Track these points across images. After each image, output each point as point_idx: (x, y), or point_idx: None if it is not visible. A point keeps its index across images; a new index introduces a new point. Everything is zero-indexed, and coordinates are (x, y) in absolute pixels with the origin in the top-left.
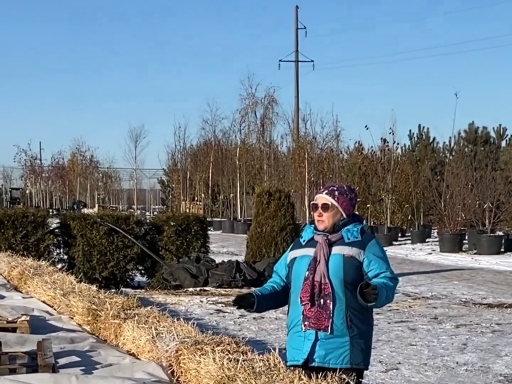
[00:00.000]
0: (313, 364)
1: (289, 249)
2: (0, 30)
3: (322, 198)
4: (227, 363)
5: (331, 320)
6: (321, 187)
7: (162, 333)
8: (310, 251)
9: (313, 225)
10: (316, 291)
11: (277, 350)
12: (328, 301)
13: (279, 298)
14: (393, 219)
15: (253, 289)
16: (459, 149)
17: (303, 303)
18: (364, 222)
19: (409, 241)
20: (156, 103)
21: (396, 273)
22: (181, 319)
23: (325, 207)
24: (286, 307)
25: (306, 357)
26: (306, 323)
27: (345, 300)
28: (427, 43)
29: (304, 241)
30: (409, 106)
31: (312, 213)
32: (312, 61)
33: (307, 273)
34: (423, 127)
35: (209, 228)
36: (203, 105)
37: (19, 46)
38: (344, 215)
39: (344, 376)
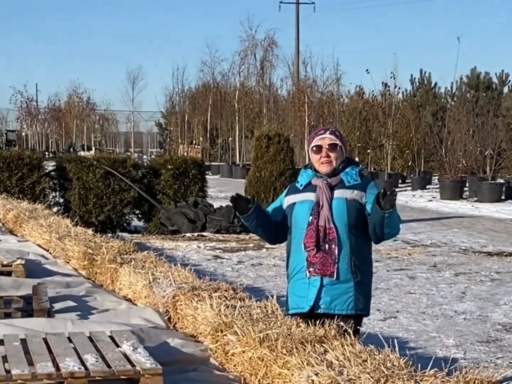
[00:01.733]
0: (319, 311)
1: (283, 194)
2: None
3: (328, 138)
4: (224, 309)
5: (336, 265)
6: (318, 130)
7: (159, 279)
8: (310, 196)
9: (309, 169)
10: (321, 236)
11: (274, 297)
12: (333, 246)
13: (273, 227)
14: (394, 165)
15: (251, 234)
16: (461, 95)
17: (308, 249)
18: (360, 164)
19: (409, 188)
20: (154, 45)
21: None
22: (178, 265)
23: (333, 147)
24: (283, 254)
25: (312, 304)
26: (311, 269)
27: (349, 244)
28: None
29: (301, 185)
30: (411, 50)
31: (312, 155)
32: (313, 2)
33: (310, 218)
34: (425, 72)
35: (207, 172)
36: (202, 47)
37: None
38: (344, 156)
39: (341, 323)
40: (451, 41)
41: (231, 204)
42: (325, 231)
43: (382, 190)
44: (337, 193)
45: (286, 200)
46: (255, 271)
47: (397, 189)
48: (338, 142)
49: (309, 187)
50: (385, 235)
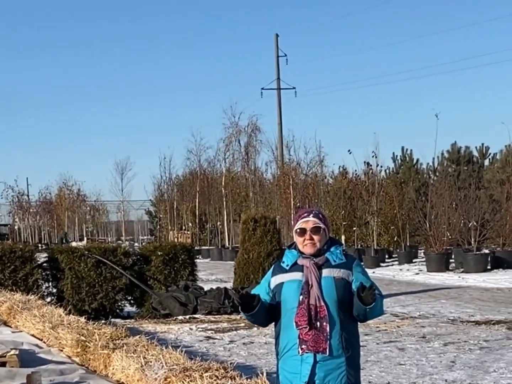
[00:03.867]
0: None
1: (269, 274)
2: None
3: (312, 221)
4: None
5: (328, 342)
6: (301, 212)
7: (151, 362)
8: (298, 275)
9: (293, 249)
10: (313, 315)
11: (264, 374)
12: (324, 323)
13: (268, 314)
14: (380, 241)
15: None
16: (442, 170)
17: (300, 327)
18: (342, 243)
19: (396, 262)
20: (141, 136)
21: (384, 294)
22: (170, 347)
23: (316, 230)
24: (271, 331)
25: (307, 380)
26: (303, 346)
27: (339, 321)
28: (406, 66)
29: (287, 265)
30: (392, 129)
31: (296, 238)
32: (293, 88)
33: (301, 297)
34: (406, 149)
35: (197, 256)
36: (188, 136)
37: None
38: (327, 237)
39: None
40: (431, 117)
41: (237, 301)
42: (316, 309)
43: (360, 285)
44: (325, 272)
45: (273, 280)
46: (247, 349)
47: (383, 264)
48: (321, 224)
49: (295, 267)
50: (368, 319)
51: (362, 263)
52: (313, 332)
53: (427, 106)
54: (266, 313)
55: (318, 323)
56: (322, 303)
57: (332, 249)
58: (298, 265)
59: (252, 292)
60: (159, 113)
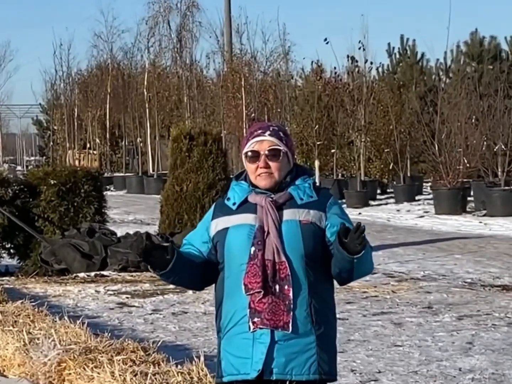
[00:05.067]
0: (271, 377)
1: (208, 215)
2: None
3: (267, 141)
4: (131, 378)
5: (292, 313)
6: (254, 128)
7: (38, 339)
8: (249, 218)
9: (243, 181)
10: (270, 274)
11: (202, 357)
12: (286, 286)
13: (199, 271)
14: (369, 170)
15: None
16: (458, 69)
17: (252, 291)
18: (313, 174)
19: (392, 200)
20: (27, 12)
21: (375, 245)
22: (66, 318)
23: (275, 154)
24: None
25: (261, 368)
26: (256, 319)
27: (307, 284)
28: None
29: (234, 204)
30: (387, 10)
31: (246, 164)
32: None
33: (252, 249)
34: (407, 39)
35: (108, 187)
36: (95, 13)
37: None
38: (291, 164)
39: None
40: None
41: (139, 258)
42: (274, 266)
43: (341, 226)
44: (287, 214)
45: (213, 225)
46: (178, 322)
47: (374, 202)
48: (281, 146)
49: (245, 206)
50: (354, 278)
51: (343, 201)
52: (270, 299)
53: None
54: (195, 273)
55: (277, 287)
56: (283, 258)
57: (297, 181)
58: (249, 204)
59: (185, 240)
60: None
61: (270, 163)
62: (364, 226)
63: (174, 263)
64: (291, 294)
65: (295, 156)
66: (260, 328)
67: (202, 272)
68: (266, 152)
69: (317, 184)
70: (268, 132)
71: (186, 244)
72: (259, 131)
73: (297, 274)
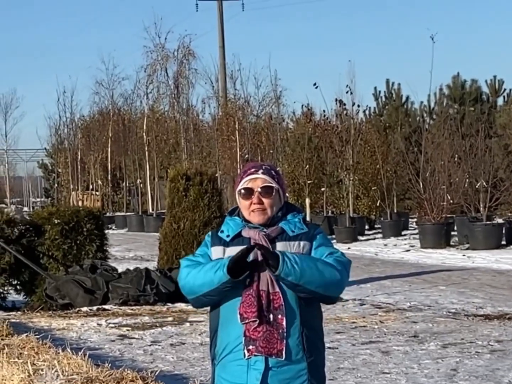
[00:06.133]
0: None
1: (207, 242)
2: None
3: (261, 179)
4: None
5: (285, 341)
6: (247, 167)
7: (42, 370)
8: None
9: (236, 217)
10: (264, 304)
11: None
12: (280, 316)
13: None
14: (358, 207)
15: (169, 304)
16: (441, 111)
17: (247, 320)
18: (302, 210)
19: (379, 235)
20: (32, 61)
21: (363, 278)
22: (69, 350)
23: (267, 191)
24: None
25: None
26: (251, 347)
27: (299, 313)
28: None
29: (228, 236)
30: (373, 56)
31: (239, 201)
32: None
33: (248, 280)
34: (393, 83)
35: (109, 226)
36: (96, 62)
37: None
38: (282, 202)
39: None
40: (425, 41)
41: (229, 264)
42: (269, 297)
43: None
44: (279, 246)
45: (213, 251)
46: (176, 352)
47: (362, 237)
48: (273, 184)
49: (239, 239)
50: (316, 290)
51: (333, 236)
52: (265, 327)
53: (420, 26)
54: None
55: (271, 316)
56: (277, 289)
57: (288, 217)
58: (242, 238)
59: (189, 259)
60: (55, 28)
61: (263, 199)
62: (262, 245)
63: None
64: (284, 323)
65: (286, 194)
66: (255, 355)
67: None
68: (259, 189)
69: (308, 220)
70: (261, 171)
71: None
72: (253, 170)
73: (290, 303)
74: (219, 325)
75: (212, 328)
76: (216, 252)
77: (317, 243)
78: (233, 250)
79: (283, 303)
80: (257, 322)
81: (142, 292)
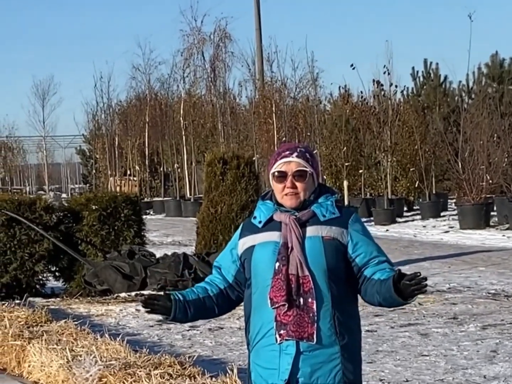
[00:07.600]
0: None
1: (236, 235)
2: None
3: (294, 163)
4: None
5: (316, 325)
6: (281, 149)
7: (80, 356)
8: (273, 236)
9: (268, 201)
10: (294, 288)
11: (235, 370)
12: (310, 299)
13: (211, 305)
14: (396, 188)
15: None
16: (479, 90)
17: (277, 305)
18: (336, 192)
19: (418, 217)
20: (68, 47)
21: (402, 260)
22: (107, 336)
23: (301, 175)
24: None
25: (287, 378)
26: (282, 331)
27: (330, 296)
28: None
29: (260, 222)
30: (410, 36)
31: (273, 184)
32: None
33: (277, 264)
34: (431, 63)
35: (147, 211)
36: (133, 47)
37: None
38: (316, 184)
39: None
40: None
41: (146, 309)
42: (298, 280)
43: (398, 272)
44: (310, 230)
45: (241, 244)
46: (214, 337)
47: (401, 219)
48: (308, 168)
49: (271, 224)
50: (386, 307)
51: (371, 218)
52: (295, 311)
53: (457, 4)
54: (205, 308)
55: (301, 300)
56: (306, 273)
57: (320, 199)
58: (274, 222)
59: (216, 262)
60: (92, 15)
61: (297, 183)
62: (421, 276)
63: (177, 310)
64: (314, 307)
65: (322, 177)
66: (286, 340)
67: (221, 300)
68: (293, 173)
69: (346, 203)
70: (295, 154)
71: (216, 266)
72: (287, 152)
73: (320, 287)
74: (252, 311)
75: (245, 314)
76: (244, 243)
77: (356, 238)
78: (265, 236)
79: (313, 287)
80: (287, 306)
81: (180, 277)
